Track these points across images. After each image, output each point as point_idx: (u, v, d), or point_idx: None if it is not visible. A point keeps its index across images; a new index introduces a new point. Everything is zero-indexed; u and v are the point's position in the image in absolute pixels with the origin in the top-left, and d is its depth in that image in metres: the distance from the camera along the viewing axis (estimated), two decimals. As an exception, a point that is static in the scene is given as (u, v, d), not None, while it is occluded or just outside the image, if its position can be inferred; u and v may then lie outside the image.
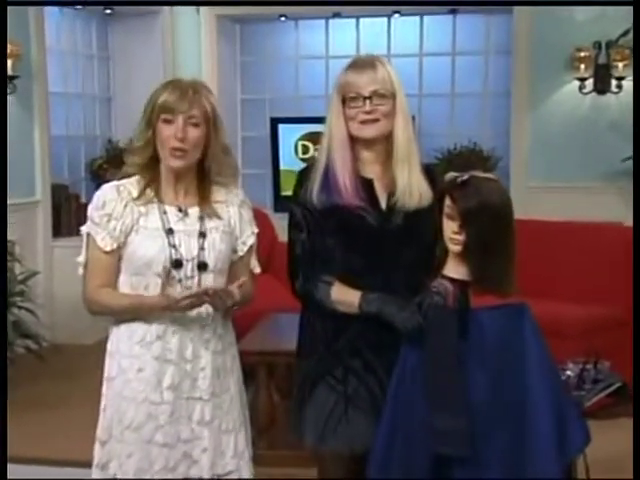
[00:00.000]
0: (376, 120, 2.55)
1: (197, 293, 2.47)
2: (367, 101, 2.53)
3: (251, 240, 2.69)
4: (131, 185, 2.58)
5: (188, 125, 2.50)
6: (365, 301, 2.51)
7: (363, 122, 2.55)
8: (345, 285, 2.54)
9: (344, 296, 2.54)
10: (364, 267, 2.55)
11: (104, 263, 2.55)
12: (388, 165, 2.60)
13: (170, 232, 2.54)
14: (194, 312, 2.54)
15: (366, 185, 2.58)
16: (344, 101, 2.57)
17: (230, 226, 2.64)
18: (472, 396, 2.37)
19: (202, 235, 2.57)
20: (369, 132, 2.56)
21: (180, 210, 2.58)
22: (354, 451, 2.58)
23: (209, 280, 2.56)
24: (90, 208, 2.59)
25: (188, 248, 2.54)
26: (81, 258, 2.60)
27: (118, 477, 2.57)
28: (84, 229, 2.59)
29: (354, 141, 2.58)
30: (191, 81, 2.57)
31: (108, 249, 2.53)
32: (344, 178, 2.54)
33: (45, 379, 5.24)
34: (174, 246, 2.53)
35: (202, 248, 2.56)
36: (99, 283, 2.56)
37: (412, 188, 2.56)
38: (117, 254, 2.55)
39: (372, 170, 2.61)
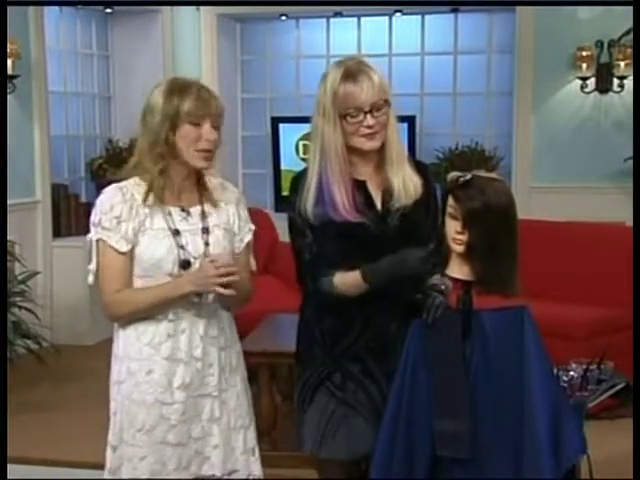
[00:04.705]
0: (377, 132, 2.51)
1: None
2: (368, 115, 2.48)
3: (248, 237, 2.70)
4: (132, 187, 2.57)
5: (212, 127, 2.52)
6: (369, 272, 2.45)
7: (364, 135, 2.51)
8: None
9: (345, 278, 2.49)
10: None
11: (120, 266, 2.54)
12: (380, 165, 2.58)
13: (177, 233, 2.54)
14: (202, 310, 2.55)
15: (360, 187, 2.56)
16: (340, 113, 2.49)
17: (229, 224, 2.65)
18: (473, 398, 2.37)
19: (205, 231, 2.58)
20: (372, 145, 2.53)
21: (183, 210, 2.58)
22: (353, 456, 2.58)
23: None
24: (96, 213, 2.56)
25: (195, 247, 2.55)
26: (92, 266, 2.57)
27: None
28: (92, 236, 2.56)
29: (348, 148, 2.54)
30: (204, 85, 2.58)
31: (124, 250, 2.52)
32: (343, 196, 2.50)
33: (45, 380, 5.23)
34: (182, 247, 2.54)
35: (207, 244, 2.57)
36: (118, 287, 2.54)
37: (407, 186, 2.54)
38: (130, 256, 2.54)
39: (364, 172, 2.58)
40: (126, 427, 2.56)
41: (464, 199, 2.36)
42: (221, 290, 2.45)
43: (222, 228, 2.61)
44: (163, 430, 2.54)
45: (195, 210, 2.60)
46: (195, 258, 2.54)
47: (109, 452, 2.62)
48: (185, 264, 2.53)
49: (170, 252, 2.52)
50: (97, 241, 2.55)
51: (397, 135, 2.57)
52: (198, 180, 2.63)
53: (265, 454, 2.82)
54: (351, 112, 2.48)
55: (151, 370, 2.54)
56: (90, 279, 2.59)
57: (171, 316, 2.54)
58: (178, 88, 2.54)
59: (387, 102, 2.52)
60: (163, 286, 2.52)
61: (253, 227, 2.72)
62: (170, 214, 2.56)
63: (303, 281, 2.61)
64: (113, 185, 2.60)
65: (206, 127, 2.51)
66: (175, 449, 2.55)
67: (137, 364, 2.55)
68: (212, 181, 2.66)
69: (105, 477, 2.63)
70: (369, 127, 2.49)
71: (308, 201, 2.52)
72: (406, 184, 2.54)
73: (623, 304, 4.56)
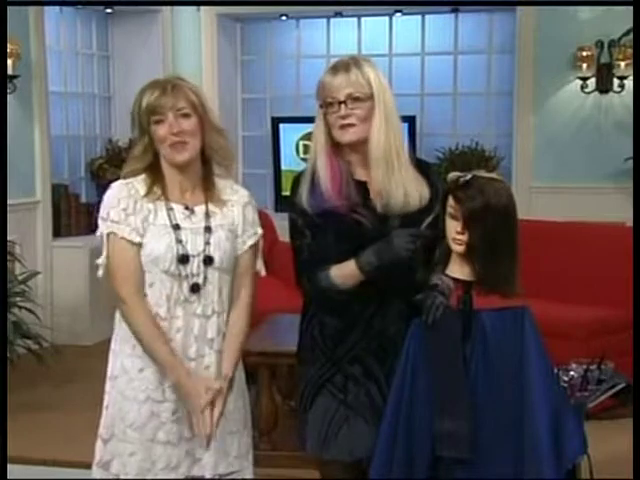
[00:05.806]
0: (352, 125, 2.51)
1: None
2: (342, 105, 2.49)
3: (252, 240, 2.67)
4: (138, 183, 2.58)
5: (179, 118, 2.51)
6: (362, 259, 2.46)
7: (341, 127, 2.51)
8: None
9: (342, 270, 2.50)
10: None
11: (132, 257, 2.52)
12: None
13: (177, 228, 2.54)
14: (199, 309, 2.54)
15: (360, 188, 2.55)
16: (323, 106, 2.53)
17: (233, 225, 2.63)
18: (473, 398, 2.38)
19: (208, 230, 2.57)
20: (346, 137, 2.53)
21: (187, 208, 2.58)
22: (355, 457, 2.58)
23: (215, 277, 2.56)
24: (104, 208, 2.57)
25: (194, 244, 2.55)
26: (101, 260, 2.57)
27: (121, 476, 2.57)
28: (103, 230, 2.56)
29: (340, 145, 2.55)
30: (168, 77, 2.60)
31: (137, 240, 2.51)
32: (326, 182, 2.51)
33: (45, 380, 5.22)
34: (180, 242, 2.53)
35: (207, 243, 2.56)
36: (133, 289, 2.51)
37: (411, 197, 2.52)
38: (139, 248, 2.53)
39: (364, 173, 2.57)
40: (117, 422, 2.57)
41: (464, 199, 2.37)
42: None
43: (226, 229, 2.60)
44: (153, 427, 2.54)
45: (200, 209, 2.59)
46: (193, 255, 2.53)
47: (99, 444, 2.62)
48: (183, 259, 2.52)
49: (169, 250, 2.52)
50: (108, 235, 2.55)
51: (388, 135, 2.52)
52: (205, 179, 2.62)
53: (265, 454, 2.83)
54: (329, 101, 2.51)
55: (144, 367, 2.54)
56: (100, 272, 2.59)
57: (165, 315, 2.53)
58: (141, 89, 2.58)
59: (370, 97, 2.51)
60: (163, 352, 2.50)
61: (261, 231, 2.70)
62: (172, 210, 2.56)
63: (301, 282, 2.61)
64: (119, 181, 2.61)
65: (169, 120, 2.50)
66: (165, 448, 2.55)
67: (130, 361, 2.56)
68: (221, 182, 2.65)
69: (93, 470, 2.63)
70: (342, 117, 2.50)
71: (304, 191, 2.54)
72: (410, 195, 2.51)
73: (623, 304, 4.56)
